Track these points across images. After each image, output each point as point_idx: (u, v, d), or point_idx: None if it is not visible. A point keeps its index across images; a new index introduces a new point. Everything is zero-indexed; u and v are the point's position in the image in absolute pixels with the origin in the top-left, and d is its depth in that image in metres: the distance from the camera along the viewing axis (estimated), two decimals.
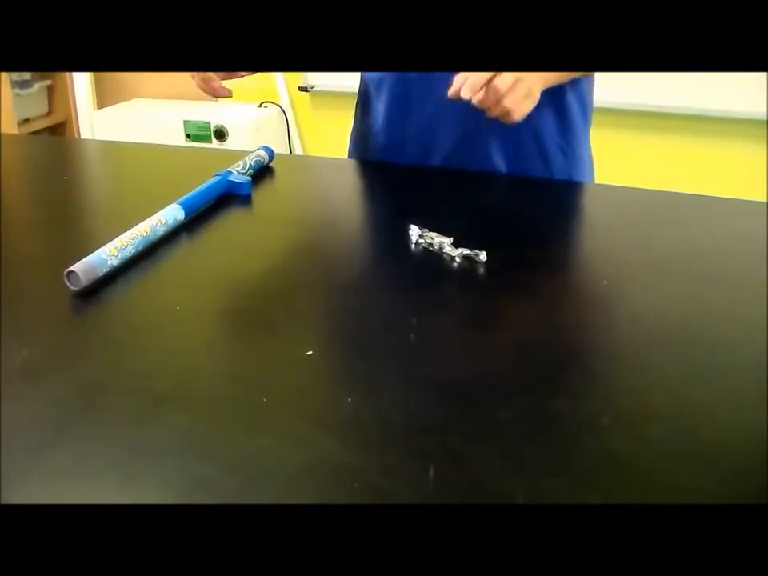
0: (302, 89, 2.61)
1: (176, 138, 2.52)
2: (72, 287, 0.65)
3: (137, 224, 0.74)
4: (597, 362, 0.59)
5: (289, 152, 2.67)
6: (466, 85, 0.77)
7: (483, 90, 0.78)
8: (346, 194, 1.02)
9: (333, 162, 1.15)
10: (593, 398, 0.53)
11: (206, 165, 0.97)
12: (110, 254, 0.68)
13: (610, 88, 2.09)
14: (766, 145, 2.19)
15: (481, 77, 0.78)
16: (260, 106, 2.65)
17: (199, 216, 0.84)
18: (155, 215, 0.77)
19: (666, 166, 2.36)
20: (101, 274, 0.67)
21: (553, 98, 0.95)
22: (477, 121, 0.86)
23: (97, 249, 0.68)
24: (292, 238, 0.82)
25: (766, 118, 2.14)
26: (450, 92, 0.79)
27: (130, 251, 0.71)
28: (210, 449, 0.46)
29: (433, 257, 0.74)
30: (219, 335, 0.61)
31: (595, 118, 1.08)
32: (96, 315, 0.65)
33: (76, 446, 0.46)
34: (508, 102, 0.80)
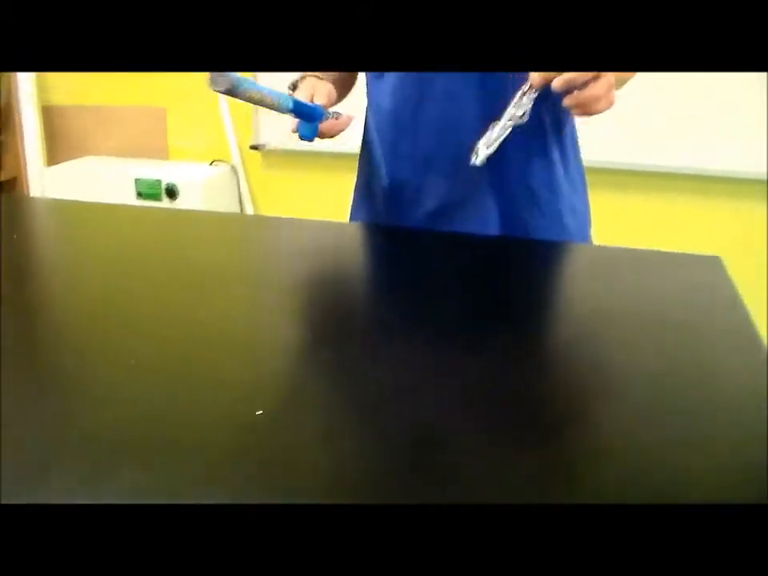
0: (253, 147, 2.64)
1: (127, 196, 2.52)
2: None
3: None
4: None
5: (240, 211, 2.69)
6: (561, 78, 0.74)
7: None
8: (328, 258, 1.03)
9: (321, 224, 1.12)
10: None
11: (157, 225, 0.98)
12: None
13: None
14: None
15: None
16: (211, 164, 2.67)
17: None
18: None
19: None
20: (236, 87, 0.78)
21: (540, 150, 0.99)
22: (468, 172, 0.87)
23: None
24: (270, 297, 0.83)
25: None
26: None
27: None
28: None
29: None
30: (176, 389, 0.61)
31: (591, 178, 1.11)
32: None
33: None
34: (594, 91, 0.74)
